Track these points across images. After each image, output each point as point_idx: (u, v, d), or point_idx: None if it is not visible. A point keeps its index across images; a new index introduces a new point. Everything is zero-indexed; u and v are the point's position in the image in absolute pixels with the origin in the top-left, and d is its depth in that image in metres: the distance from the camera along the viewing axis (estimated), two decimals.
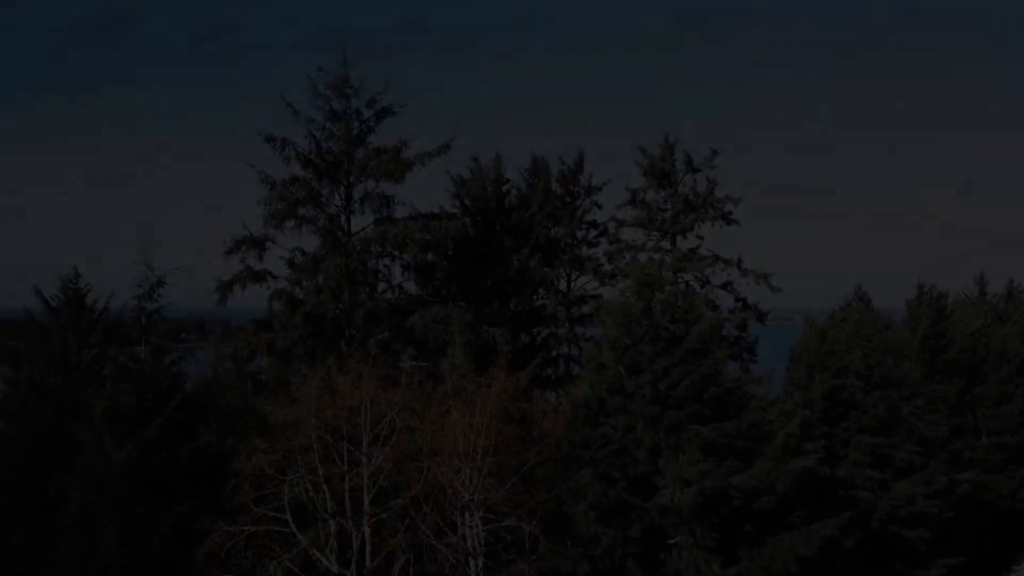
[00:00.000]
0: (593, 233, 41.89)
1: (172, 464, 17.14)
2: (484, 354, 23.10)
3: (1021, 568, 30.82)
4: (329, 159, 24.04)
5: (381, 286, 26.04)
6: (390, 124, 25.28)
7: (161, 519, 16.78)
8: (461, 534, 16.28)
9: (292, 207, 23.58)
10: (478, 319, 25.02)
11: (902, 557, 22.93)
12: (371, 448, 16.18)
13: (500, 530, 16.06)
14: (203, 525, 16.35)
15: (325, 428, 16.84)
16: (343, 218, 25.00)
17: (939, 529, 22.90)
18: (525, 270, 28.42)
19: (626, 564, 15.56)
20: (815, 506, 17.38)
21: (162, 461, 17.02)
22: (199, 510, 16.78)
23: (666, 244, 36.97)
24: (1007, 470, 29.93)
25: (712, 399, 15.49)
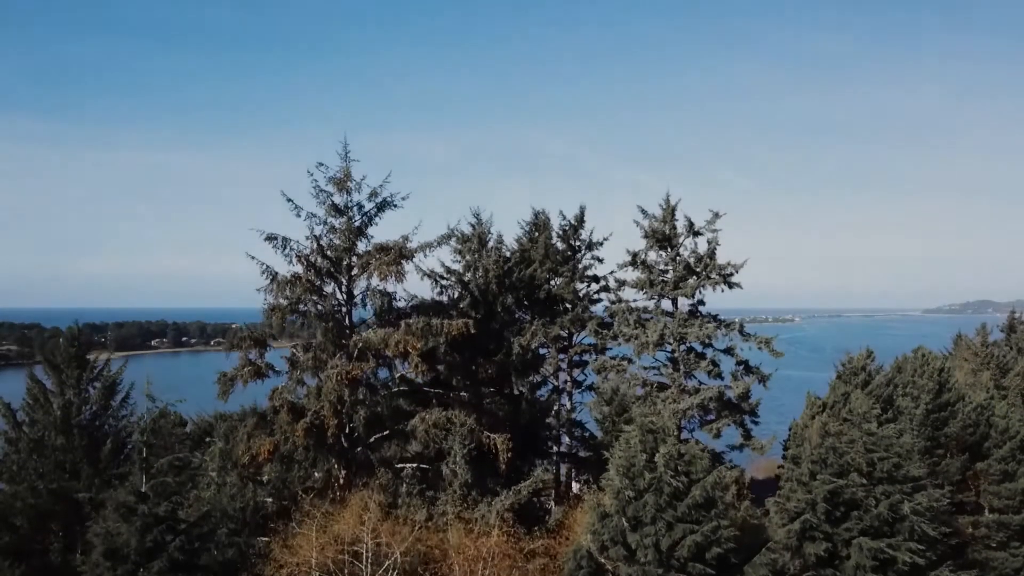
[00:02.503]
0: (595, 288, 42.04)
1: None
2: (485, 459, 23.16)
3: None
4: (331, 256, 24.04)
5: (382, 373, 26.08)
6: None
7: None
8: None
9: (294, 304, 23.56)
10: (479, 413, 24.97)
11: None
12: None
13: None
14: None
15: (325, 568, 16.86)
16: (344, 310, 25.00)
17: None
18: (526, 355, 28.28)
19: None
20: None
21: None
22: None
23: (667, 304, 37.04)
24: (1009, 547, 29.87)
25: (715, 557, 15.43)
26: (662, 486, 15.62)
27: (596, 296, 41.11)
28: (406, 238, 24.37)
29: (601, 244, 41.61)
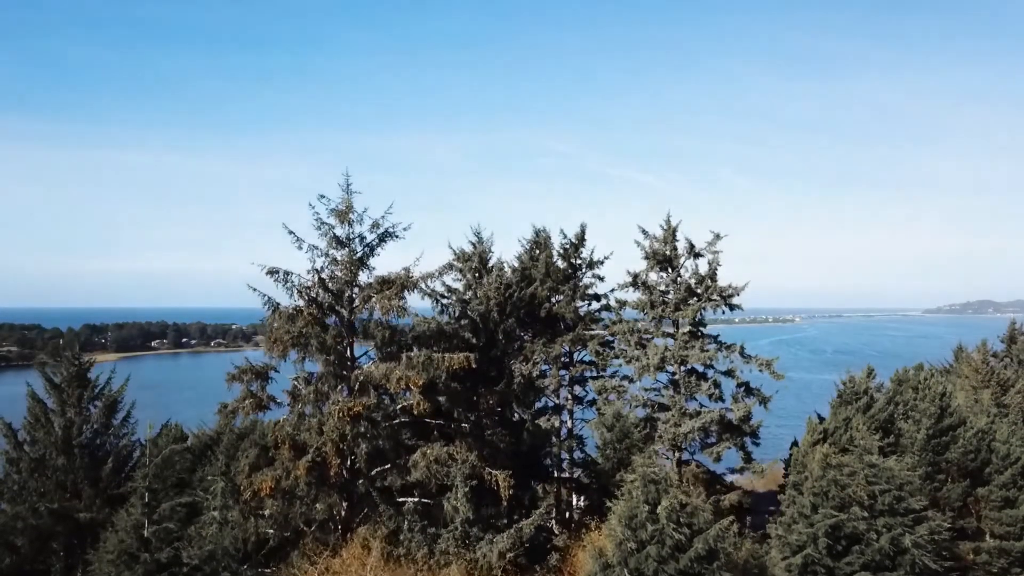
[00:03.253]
0: (596, 306, 42.07)
1: None
2: (487, 492, 23.18)
3: None
4: (332, 289, 24.04)
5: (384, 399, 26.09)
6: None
7: None
8: None
9: (296, 338, 23.56)
10: (480, 444, 24.99)
11: None
12: None
13: None
14: None
15: None
16: (346, 342, 25.00)
17: None
18: (529, 386, 28.30)
19: None
20: None
21: None
22: None
23: (668, 324, 37.07)
24: (1011, 574, 29.91)
25: None
26: (664, 538, 15.66)
27: (597, 315, 41.13)
28: (408, 270, 24.37)
29: (602, 263, 41.69)
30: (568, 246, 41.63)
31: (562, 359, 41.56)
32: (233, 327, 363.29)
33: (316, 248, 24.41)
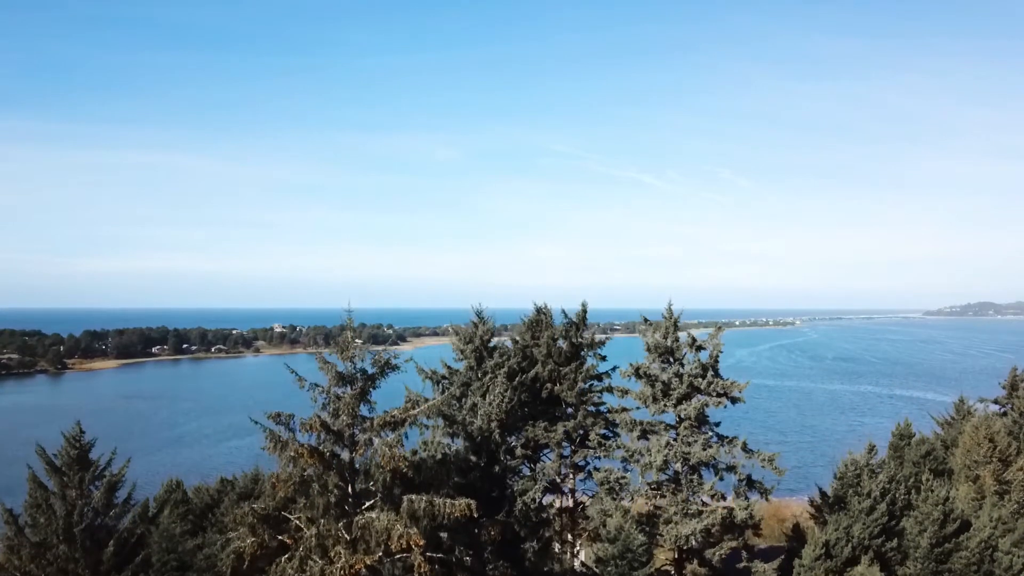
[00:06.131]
0: (598, 386, 42.09)
1: None
2: None
3: None
4: (335, 429, 24.01)
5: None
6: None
7: None
8: None
9: (297, 484, 23.59)
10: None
11: None
12: None
13: None
14: None
15: None
16: (348, 476, 24.98)
17: None
18: (530, 509, 28.28)
19: None
20: None
21: None
22: None
23: (670, 415, 37.05)
24: None
25: None
26: None
27: (599, 399, 41.19)
28: (407, 408, 24.35)
29: (603, 343, 41.75)
30: (569, 326, 41.65)
31: (566, 434, 41.62)
32: (234, 332, 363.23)
33: (318, 387, 24.38)
